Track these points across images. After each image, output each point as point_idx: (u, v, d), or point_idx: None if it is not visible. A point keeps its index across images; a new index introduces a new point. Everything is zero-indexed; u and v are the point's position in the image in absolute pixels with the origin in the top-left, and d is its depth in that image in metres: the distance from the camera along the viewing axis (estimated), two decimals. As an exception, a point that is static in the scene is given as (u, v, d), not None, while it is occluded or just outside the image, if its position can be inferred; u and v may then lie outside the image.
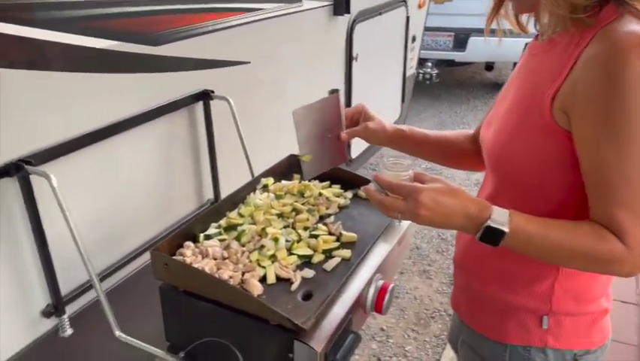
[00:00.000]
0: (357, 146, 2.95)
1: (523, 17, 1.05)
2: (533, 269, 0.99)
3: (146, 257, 1.51)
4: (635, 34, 0.78)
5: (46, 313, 1.26)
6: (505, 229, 0.86)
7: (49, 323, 1.28)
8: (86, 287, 1.33)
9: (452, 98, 6.47)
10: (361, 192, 1.43)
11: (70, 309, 1.31)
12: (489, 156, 1.04)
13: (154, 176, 1.54)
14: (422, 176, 0.96)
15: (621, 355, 2.37)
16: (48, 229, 1.20)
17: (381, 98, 3.14)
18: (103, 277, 1.36)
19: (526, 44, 1.08)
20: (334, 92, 1.24)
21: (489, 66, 6.75)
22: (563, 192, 0.92)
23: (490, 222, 0.86)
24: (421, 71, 4.62)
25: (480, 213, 0.87)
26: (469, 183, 4.29)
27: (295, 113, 1.21)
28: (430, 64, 5.39)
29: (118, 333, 1.17)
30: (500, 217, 0.86)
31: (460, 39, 5.92)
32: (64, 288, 1.28)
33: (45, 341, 1.27)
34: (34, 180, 1.14)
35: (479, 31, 5.78)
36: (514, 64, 6.27)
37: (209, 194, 1.76)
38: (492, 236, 0.87)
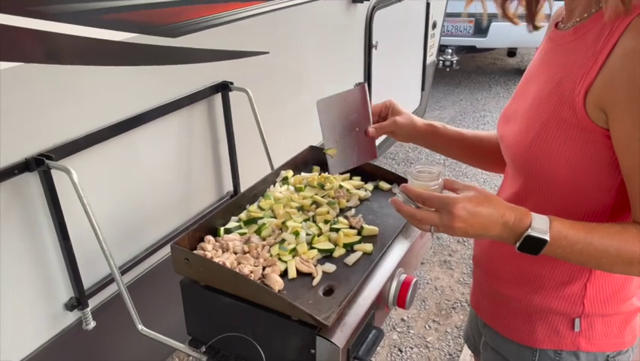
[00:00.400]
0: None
1: (512, 5, 0.99)
2: (564, 271, 0.95)
3: (166, 250, 1.52)
4: None
5: (70, 307, 1.27)
6: (547, 238, 0.81)
7: (72, 316, 1.29)
8: (108, 280, 1.34)
9: (473, 85, 6.36)
10: (382, 185, 1.40)
11: (93, 302, 1.32)
12: (514, 156, 0.97)
13: (173, 169, 1.54)
14: (453, 183, 0.91)
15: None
16: (69, 222, 1.20)
17: (400, 86, 3.09)
18: (124, 271, 1.36)
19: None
20: (360, 84, 1.18)
21: (511, 52, 6.61)
22: (600, 194, 0.87)
23: (530, 231, 0.81)
24: (440, 58, 4.53)
25: (519, 222, 0.82)
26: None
27: (319, 103, 1.16)
28: (450, 50, 5.28)
29: (141, 327, 1.17)
30: (541, 225, 0.81)
31: (481, 24, 5.80)
32: (87, 281, 1.29)
33: (69, 334, 1.28)
34: (55, 174, 1.15)
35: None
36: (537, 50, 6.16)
37: (228, 186, 1.75)
38: (532, 245, 0.82)
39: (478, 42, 5.89)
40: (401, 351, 2.55)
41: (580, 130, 0.84)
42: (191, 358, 1.20)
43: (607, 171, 0.83)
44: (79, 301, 1.27)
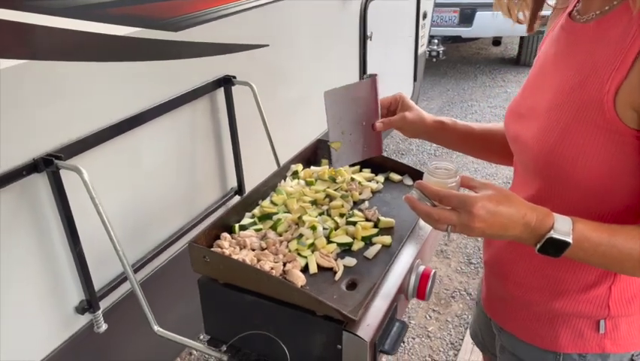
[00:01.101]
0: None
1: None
2: (588, 275, 0.92)
3: (174, 248, 1.49)
4: None
5: (81, 310, 1.24)
6: (569, 240, 0.78)
7: (83, 320, 1.26)
8: (119, 281, 1.31)
9: (459, 75, 6.39)
10: (393, 176, 1.39)
11: (103, 304, 1.29)
12: (535, 158, 0.91)
13: (177, 165, 1.51)
14: (470, 181, 0.87)
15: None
16: (78, 224, 1.17)
17: (394, 77, 3.08)
18: (134, 271, 1.33)
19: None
20: (371, 76, 1.14)
21: (496, 41, 6.63)
22: (626, 197, 0.83)
23: (553, 233, 0.78)
24: (427, 49, 4.54)
25: (541, 223, 0.79)
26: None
27: (326, 95, 1.11)
28: (436, 41, 5.28)
29: (157, 328, 1.15)
30: (563, 226, 0.78)
31: (466, 14, 5.81)
32: (97, 283, 1.26)
33: (80, 338, 1.25)
34: (63, 174, 1.11)
35: (485, 6, 5.68)
36: (521, 38, 6.12)
37: (232, 182, 1.73)
38: (554, 248, 0.79)
39: (464, 32, 5.90)
40: (403, 342, 2.56)
41: (608, 132, 0.79)
42: (204, 356, 1.18)
43: (634, 174, 0.80)
44: (90, 303, 1.24)
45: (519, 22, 0.99)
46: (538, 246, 0.80)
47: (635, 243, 0.79)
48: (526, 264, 0.98)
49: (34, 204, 1.10)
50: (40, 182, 1.10)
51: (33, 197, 1.09)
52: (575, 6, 0.92)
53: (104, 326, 1.26)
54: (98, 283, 1.28)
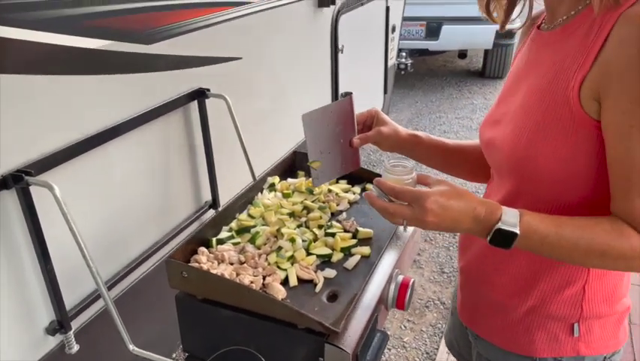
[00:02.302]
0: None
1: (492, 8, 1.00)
2: (561, 275, 0.95)
3: (149, 263, 1.46)
4: None
5: (51, 331, 1.19)
6: (517, 231, 0.82)
7: (54, 341, 1.22)
8: (91, 299, 1.27)
9: (426, 87, 6.51)
10: (370, 186, 1.40)
11: (75, 323, 1.25)
12: (507, 158, 0.95)
13: (151, 179, 1.48)
14: (426, 178, 0.91)
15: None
16: (49, 240, 1.13)
17: (365, 89, 3.12)
18: (108, 288, 1.30)
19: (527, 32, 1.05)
20: (347, 95, 1.17)
21: (462, 54, 6.79)
22: (587, 189, 0.87)
23: (500, 225, 0.82)
24: (396, 61, 4.61)
25: (489, 215, 0.83)
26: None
27: (304, 118, 1.13)
28: (404, 54, 5.38)
29: (132, 347, 1.12)
30: (511, 218, 0.82)
31: (433, 28, 5.94)
32: (69, 302, 1.22)
33: (50, 360, 1.20)
34: (33, 190, 1.08)
35: (451, 20, 5.82)
36: (485, 51, 6.27)
37: (207, 196, 1.71)
38: (503, 239, 0.83)
39: (430, 45, 6.03)
40: (380, 353, 2.56)
41: (574, 125, 0.84)
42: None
43: (598, 166, 0.84)
44: (61, 324, 1.20)
45: (494, 21, 1.03)
46: (488, 238, 0.84)
47: (583, 232, 0.82)
48: (501, 268, 1.00)
49: (3, 221, 1.06)
50: (9, 199, 1.06)
51: (1, 214, 1.06)
52: (542, 19, 0.98)
53: (75, 347, 1.22)
54: (70, 302, 1.24)
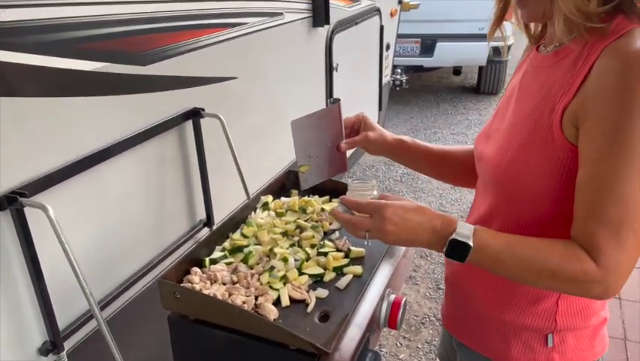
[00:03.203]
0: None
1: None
2: (536, 289, 0.97)
3: (142, 283, 1.46)
4: None
5: (44, 351, 1.19)
6: (470, 243, 0.85)
7: (46, 361, 1.21)
8: (85, 319, 1.27)
9: (421, 103, 6.56)
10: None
11: (68, 344, 1.25)
12: (493, 173, 1.00)
13: (146, 199, 1.49)
14: (387, 196, 0.96)
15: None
16: (42, 260, 1.14)
17: (360, 106, 3.13)
18: (101, 307, 1.30)
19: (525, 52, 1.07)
20: (335, 101, 1.20)
21: (457, 70, 6.87)
22: (563, 210, 0.89)
23: (455, 236, 0.86)
24: (391, 78, 4.66)
25: (445, 227, 0.87)
26: (460, 204, 4.33)
27: (293, 124, 1.17)
28: (399, 70, 5.43)
29: (124, 368, 1.12)
30: (465, 231, 0.86)
31: (427, 45, 6.01)
32: (62, 322, 1.22)
33: (43, 381, 1.20)
34: (27, 211, 1.08)
35: (445, 37, 5.89)
36: (480, 68, 6.35)
37: (201, 214, 1.72)
38: (458, 251, 0.86)
39: (425, 62, 6.09)
40: (375, 370, 2.55)
41: (554, 148, 0.87)
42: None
43: (566, 186, 0.87)
44: (54, 344, 1.19)
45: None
46: (444, 249, 0.87)
47: (536, 251, 0.84)
48: (482, 278, 1.03)
49: (-4, 243, 1.07)
50: (3, 220, 1.07)
51: (-5, 236, 1.06)
52: (543, 41, 1.02)
53: (68, 368, 1.22)
54: (63, 322, 1.23)
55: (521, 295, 0.99)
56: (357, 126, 1.26)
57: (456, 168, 1.25)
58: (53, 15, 1.11)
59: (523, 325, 0.99)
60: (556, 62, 0.91)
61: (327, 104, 2.68)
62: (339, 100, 1.22)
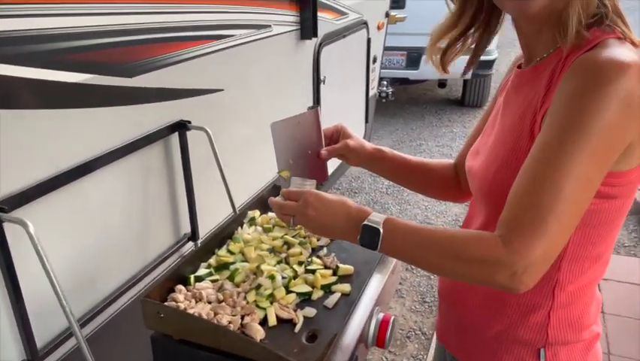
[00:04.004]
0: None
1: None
2: (527, 298, 0.97)
3: (124, 299, 1.43)
4: (610, 58, 0.78)
5: (21, 371, 1.15)
6: (380, 228, 0.87)
7: (23, 381, 1.17)
8: (64, 337, 1.23)
9: (407, 116, 6.59)
10: None
11: (46, 363, 1.21)
12: (480, 187, 1.01)
13: (129, 213, 1.46)
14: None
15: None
16: (21, 276, 1.10)
17: (346, 119, 3.13)
18: (82, 324, 1.26)
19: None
20: (313, 108, 1.21)
21: (442, 83, 6.92)
22: None
23: (366, 221, 0.89)
24: (377, 90, 4.70)
25: (359, 214, 0.91)
26: (444, 216, 4.34)
27: (273, 126, 1.18)
28: (385, 82, 5.46)
29: (105, 389, 1.08)
30: (376, 217, 0.89)
31: (413, 58, 6.04)
32: (40, 340, 1.18)
33: (20, 402, 1.16)
34: (6, 227, 1.05)
35: (431, 50, 5.93)
36: (464, 81, 6.40)
37: (185, 228, 1.69)
38: (369, 236, 0.88)
39: (411, 74, 6.13)
40: (361, 385, 2.52)
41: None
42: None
43: None
44: (31, 364, 1.15)
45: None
46: (358, 237, 0.90)
47: (442, 233, 0.86)
48: (473, 291, 1.03)
49: (-27, 259, 1.03)
50: (-20, 236, 1.03)
51: (-29, 252, 1.03)
52: (522, 60, 1.03)
53: (46, 388, 1.18)
54: (41, 339, 1.20)
55: (513, 307, 0.98)
56: (336, 137, 1.27)
57: (433, 181, 1.27)
58: (34, 26, 1.08)
59: (515, 338, 0.98)
60: (536, 77, 0.92)
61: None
62: (318, 106, 1.24)
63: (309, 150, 1.22)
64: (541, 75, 0.91)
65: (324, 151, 1.22)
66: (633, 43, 0.83)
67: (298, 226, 1.32)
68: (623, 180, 0.85)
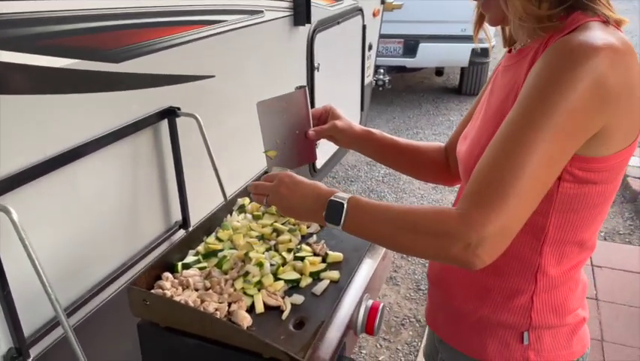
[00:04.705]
0: (321, 156, 2.92)
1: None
2: (510, 282, 0.97)
3: (113, 288, 1.42)
4: (582, 41, 0.77)
5: (9, 359, 1.14)
6: (344, 202, 0.89)
7: (11, 369, 1.16)
8: (52, 325, 1.22)
9: (404, 104, 6.57)
10: None
11: (35, 350, 1.20)
12: (465, 168, 1.01)
13: (119, 201, 1.45)
14: None
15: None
16: (6, 264, 1.09)
17: (341, 107, 3.11)
18: (69, 313, 1.26)
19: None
20: (301, 88, 1.20)
21: (439, 71, 6.89)
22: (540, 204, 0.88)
23: (332, 197, 0.91)
24: (373, 78, 4.67)
25: (327, 193, 0.93)
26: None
27: (259, 106, 1.17)
28: (382, 70, 5.43)
29: (92, 377, 1.08)
30: (342, 195, 0.91)
31: (410, 45, 6.01)
32: (27, 328, 1.18)
33: (7, 390, 1.15)
34: (-11, 214, 1.04)
35: (428, 38, 5.90)
36: (462, 69, 6.39)
37: (176, 216, 1.68)
38: (334, 212, 0.90)
39: (408, 62, 6.10)
40: (355, 373, 2.53)
41: None
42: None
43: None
44: (19, 351, 1.15)
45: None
46: (324, 213, 0.91)
47: (402, 209, 0.86)
48: (459, 275, 1.03)
49: (-44, 246, 1.02)
50: (-37, 223, 1.02)
51: (-45, 239, 1.01)
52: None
53: (34, 376, 1.17)
54: (29, 328, 1.19)
55: (496, 290, 0.98)
56: (325, 117, 1.27)
57: (422, 163, 1.26)
58: (18, 9, 1.06)
59: (499, 321, 0.99)
60: (520, 60, 0.92)
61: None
62: (305, 86, 1.22)
63: (297, 130, 1.21)
64: (524, 59, 0.91)
65: (311, 131, 1.22)
66: (618, 23, 0.83)
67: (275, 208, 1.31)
68: (603, 166, 0.84)
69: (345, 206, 0.88)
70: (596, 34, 0.78)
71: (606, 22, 0.82)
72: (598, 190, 0.87)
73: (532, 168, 0.77)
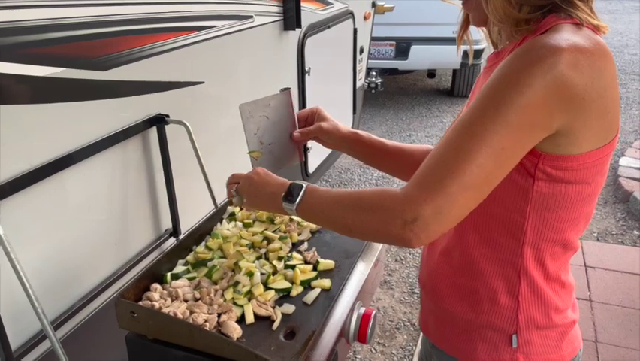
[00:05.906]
0: (313, 160, 2.91)
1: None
2: (494, 284, 0.97)
3: (104, 297, 1.40)
4: (546, 41, 0.77)
5: (-5, 374, 1.12)
6: (304, 185, 0.94)
7: (-2, 384, 1.14)
8: (39, 338, 1.20)
9: (397, 106, 6.57)
10: None
11: (22, 365, 1.18)
12: None
13: (108, 210, 1.43)
14: None
15: None
16: (-8, 279, 1.07)
17: (333, 110, 3.10)
18: (58, 325, 1.24)
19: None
20: (286, 90, 1.20)
21: (431, 73, 6.90)
22: (513, 200, 0.90)
23: (294, 181, 0.96)
24: (366, 81, 4.67)
25: (292, 182, 0.97)
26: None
27: (242, 108, 1.17)
28: (374, 73, 5.44)
29: (80, 391, 1.06)
30: (303, 182, 0.96)
31: (402, 48, 6.02)
32: (14, 341, 1.16)
33: (-6, 405, 1.13)
34: (-26, 226, 1.02)
35: (420, 40, 5.91)
36: (454, 71, 6.41)
37: (167, 224, 1.66)
38: (292, 192, 0.94)
39: (400, 64, 6.10)
40: (350, 379, 2.52)
41: None
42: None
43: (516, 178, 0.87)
44: (5, 366, 1.13)
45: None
46: (282, 195, 0.95)
47: (351, 191, 0.88)
48: (449, 278, 1.03)
49: (-60, 260, 1.00)
50: (-54, 236, 1.00)
51: (-62, 253, 0.99)
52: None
53: (21, 390, 1.15)
54: (15, 341, 1.17)
55: (482, 292, 0.98)
56: (312, 119, 1.26)
57: (409, 165, 1.23)
58: (1, 19, 1.04)
59: (487, 324, 0.99)
60: (497, 62, 0.92)
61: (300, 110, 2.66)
62: (290, 89, 1.22)
63: (282, 131, 1.21)
64: (500, 61, 0.90)
65: (296, 133, 1.22)
66: (597, 28, 0.83)
67: (279, 220, 1.30)
68: (575, 165, 0.84)
69: (303, 188, 0.93)
70: (562, 36, 0.78)
71: (579, 24, 0.82)
72: (575, 190, 0.86)
73: (478, 156, 0.77)
